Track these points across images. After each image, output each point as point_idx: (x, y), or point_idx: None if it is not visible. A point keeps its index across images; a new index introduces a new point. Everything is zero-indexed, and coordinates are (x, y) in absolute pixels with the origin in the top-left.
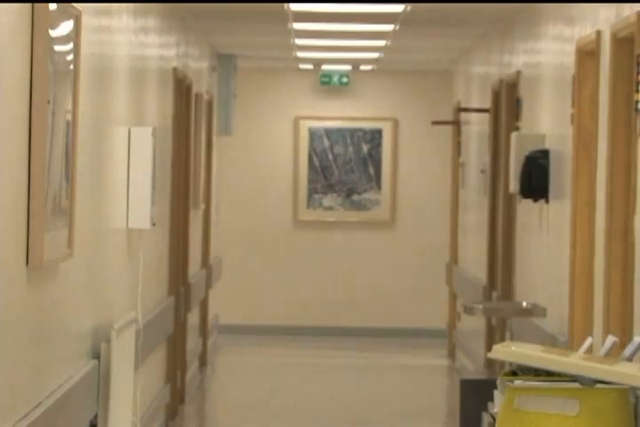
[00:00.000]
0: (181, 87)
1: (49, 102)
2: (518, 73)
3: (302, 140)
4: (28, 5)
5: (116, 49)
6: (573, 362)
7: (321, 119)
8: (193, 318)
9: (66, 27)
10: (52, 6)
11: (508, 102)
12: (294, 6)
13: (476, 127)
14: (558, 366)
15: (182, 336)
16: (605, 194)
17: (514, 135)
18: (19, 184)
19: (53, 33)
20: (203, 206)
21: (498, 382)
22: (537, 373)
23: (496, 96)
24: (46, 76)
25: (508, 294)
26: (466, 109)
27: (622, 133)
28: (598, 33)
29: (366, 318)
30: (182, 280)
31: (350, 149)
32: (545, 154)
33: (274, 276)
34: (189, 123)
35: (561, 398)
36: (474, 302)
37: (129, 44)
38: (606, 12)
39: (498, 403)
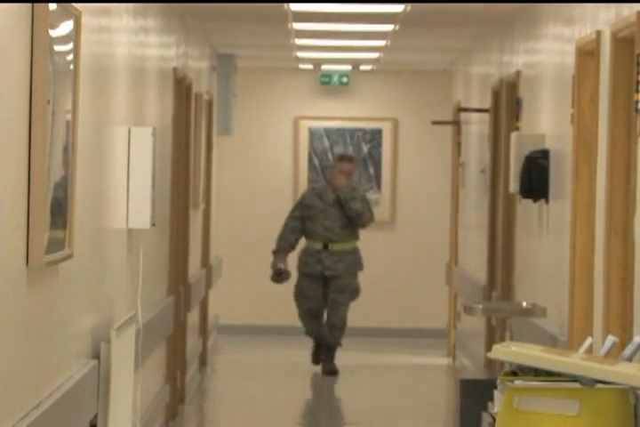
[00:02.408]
0: (181, 87)
1: (49, 102)
2: (518, 73)
3: (302, 140)
4: (27, 5)
5: (116, 49)
6: (573, 362)
7: (321, 119)
8: (193, 318)
9: (66, 27)
10: (52, 6)
11: (507, 102)
12: (294, 6)
13: (476, 127)
14: (558, 366)
15: (182, 336)
16: (605, 194)
17: (514, 135)
18: (19, 184)
19: (53, 33)
20: (203, 206)
21: (498, 382)
22: (537, 373)
23: (496, 96)
24: (46, 76)
25: (507, 294)
26: (466, 109)
27: (622, 133)
28: (598, 33)
29: (366, 317)
30: (182, 280)
31: (350, 149)
32: (545, 154)
33: None
34: (189, 123)
35: (561, 399)
36: (474, 302)
37: (129, 44)
38: (606, 12)
39: (498, 403)
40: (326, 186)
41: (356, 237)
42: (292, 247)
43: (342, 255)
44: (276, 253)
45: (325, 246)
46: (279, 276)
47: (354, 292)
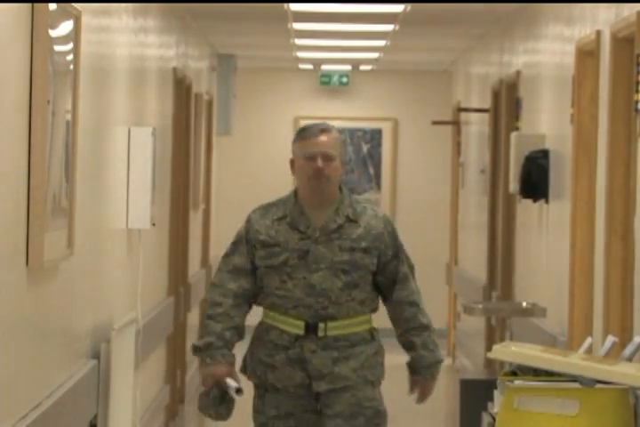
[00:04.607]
0: (181, 87)
1: (49, 102)
2: (518, 73)
3: None
4: (27, 5)
5: (116, 49)
6: (573, 362)
7: (321, 119)
8: (193, 318)
9: (66, 27)
10: (52, 6)
11: (507, 102)
12: (294, 6)
13: (476, 127)
14: (558, 366)
15: (182, 336)
16: (605, 194)
17: (514, 135)
18: (19, 184)
19: (53, 33)
20: (203, 206)
21: (498, 382)
22: (537, 373)
23: (496, 96)
24: (46, 76)
25: (507, 294)
26: (466, 109)
27: (622, 133)
28: (598, 33)
29: None
30: (182, 280)
31: (350, 148)
32: (545, 154)
33: None
34: (189, 123)
35: (561, 398)
36: (474, 302)
37: (129, 44)
38: (606, 12)
39: (498, 403)
40: (294, 200)
41: (373, 308)
42: (239, 335)
43: (348, 347)
44: (205, 351)
45: (312, 329)
46: (222, 401)
47: (375, 416)
